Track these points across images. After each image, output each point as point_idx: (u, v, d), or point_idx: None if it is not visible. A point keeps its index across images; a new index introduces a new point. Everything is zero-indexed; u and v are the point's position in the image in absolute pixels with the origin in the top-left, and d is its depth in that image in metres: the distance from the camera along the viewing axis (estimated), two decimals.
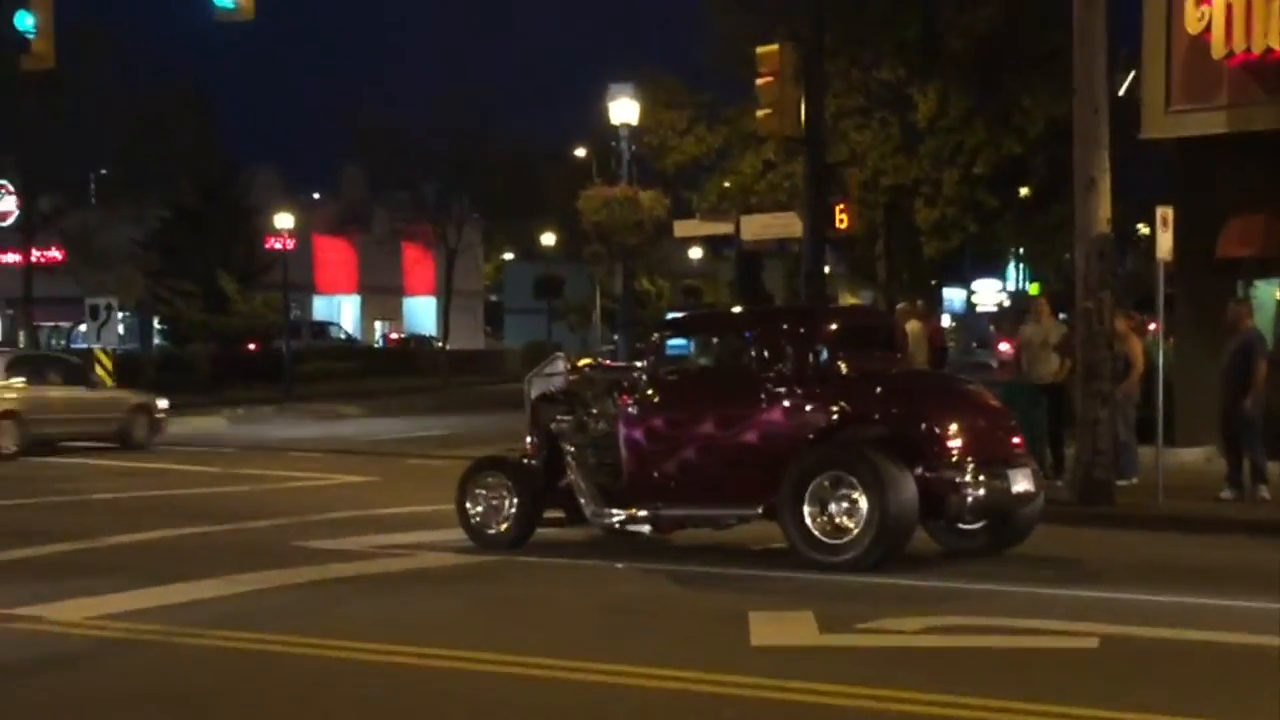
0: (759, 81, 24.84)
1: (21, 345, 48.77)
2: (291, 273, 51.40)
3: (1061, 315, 24.77)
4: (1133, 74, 25.63)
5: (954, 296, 76.45)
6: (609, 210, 34.17)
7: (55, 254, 51.70)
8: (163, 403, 29.59)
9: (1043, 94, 33.30)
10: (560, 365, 16.03)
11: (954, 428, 13.26)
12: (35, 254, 50.01)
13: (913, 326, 21.30)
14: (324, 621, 10.90)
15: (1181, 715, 8.05)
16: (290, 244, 51.25)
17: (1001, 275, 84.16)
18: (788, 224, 28.55)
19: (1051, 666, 9.35)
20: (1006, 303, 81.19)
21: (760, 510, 13.53)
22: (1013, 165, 36.40)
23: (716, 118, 37.88)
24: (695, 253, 78.38)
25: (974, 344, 66.58)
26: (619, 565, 13.65)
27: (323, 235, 72.79)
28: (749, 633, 10.30)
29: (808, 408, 13.51)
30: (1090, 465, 17.20)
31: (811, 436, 13.39)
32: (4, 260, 51.56)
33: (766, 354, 13.91)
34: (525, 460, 15.18)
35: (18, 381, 26.76)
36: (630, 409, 14.26)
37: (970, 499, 13.08)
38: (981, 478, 13.08)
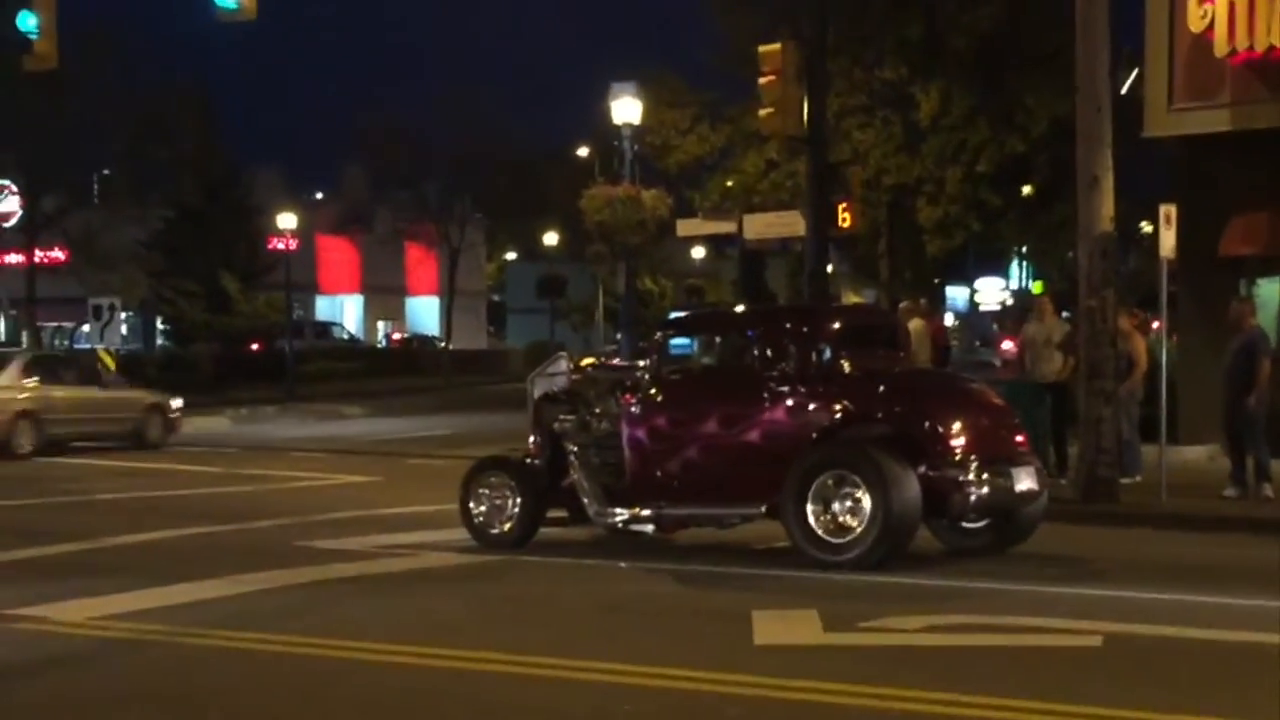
0: (761, 80, 24.84)
1: (24, 345, 48.81)
2: (294, 273, 51.42)
3: (1064, 313, 24.74)
4: (1135, 72, 25.62)
5: (957, 295, 76.54)
6: (612, 210, 34.17)
7: (58, 254, 51.71)
8: (176, 402, 29.80)
9: (1045, 92, 33.30)
10: (563, 365, 16.04)
11: (957, 426, 13.26)
12: (38, 254, 50.01)
13: (916, 325, 21.29)
14: (327, 621, 10.90)
15: (1185, 713, 8.04)
16: (293, 244, 51.26)
17: (1004, 274, 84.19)
18: (790, 223, 28.55)
19: (1055, 665, 9.34)
20: (1009, 301, 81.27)
21: (763, 509, 13.52)
22: (1015, 163, 36.41)
23: (719, 117, 37.91)
24: (698, 252, 78.42)
25: (977, 342, 66.77)
26: (622, 565, 13.65)
27: (325, 235, 72.82)
28: (753, 632, 10.29)
29: (811, 406, 13.51)
30: (1093, 463, 17.19)
31: (815, 435, 13.38)
32: (7, 260, 51.55)
33: (769, 353, 13.91)
34: (528, 460, 15.18)
35: (32, 382, 26.96)
36: (633, 408, 14.25)
37: (973, 497, 13.08)
38: (985, 476, 13.08)
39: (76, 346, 48.30)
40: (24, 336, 51.89)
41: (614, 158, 38.20)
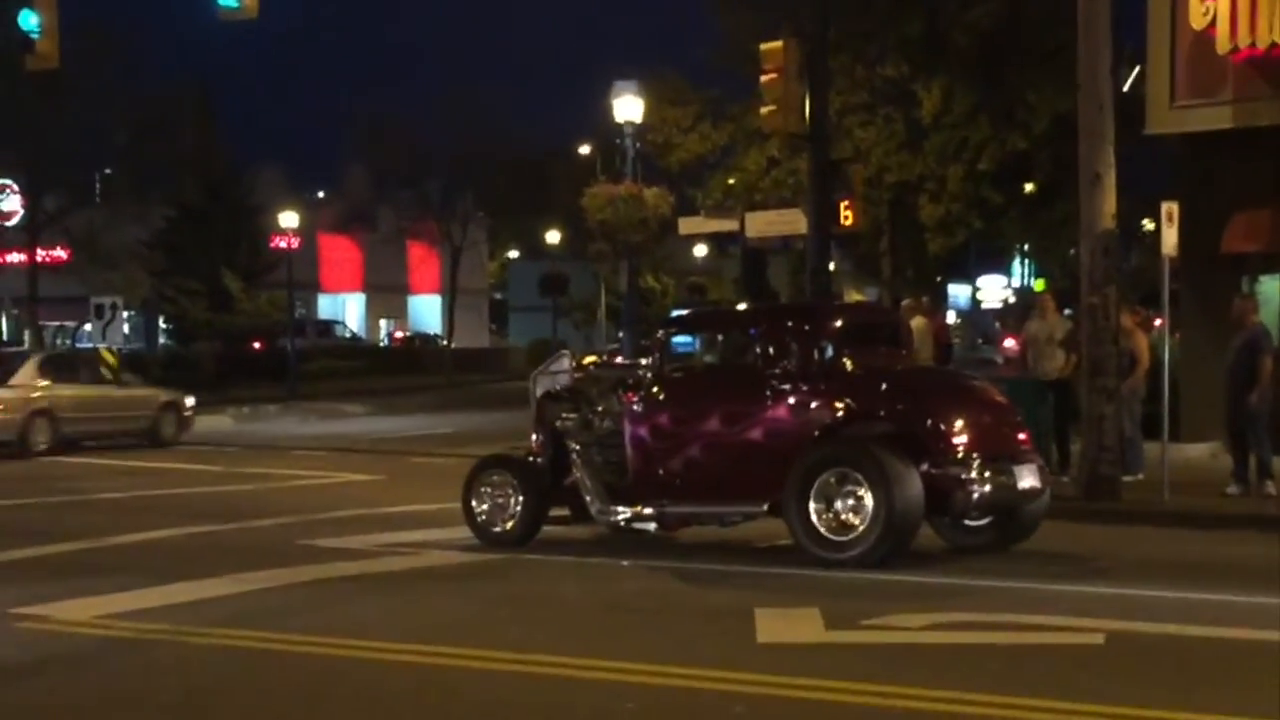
0: (763, 78, 24.81)
1: (27, 344, 48.82)
2: (296, 271, 51.41)
3: (1067, 311, 24.75)
4: (1137, 69, 25.62)
5: (959, 293, 76.45)
6: (614, 208, 34.14)
7: (60, 253, 51.72)
8: (190, 400, 30.07)
9: (1047, 89, 33.23)
10: (565, 363, 16.05)
11: (959, 424, 13.26)
12: (40, 253, 50.02)
13: (918, 323, 21.30)
14: (329, 620, 10.91)
15: (1187, 711, 8.04)
16: (295, 242, 51.25)
17: (1006, 271, 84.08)
18: (792, 221, 28.51)
19: (1057, 662, 9.34)
20: (1011, 299, 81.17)
21: (766, 507, 13.53)
22: (1017, 161, 36.34)
23: (721, 115, 37.84)
24: (700, 250, 78.39)
25: (979, 340, 66.68)
26: (625, 563, 13.64)
27: (327, 234, 72.82)
28: (755, 629, 10.29)
29: (813, 404, 13.51)
30: (1096, 461, 17.19)
31: (817, 433, 13.39)
32: (9, 260, 51.54)
33: (771, 351, 13.90)
34: (531, 458, 15.18)
35: (49, 380, 27.26)
36: (635, 406, 14.25)
37: (976, 495, 13.08)
38: (987, 474, 13.08)
39: (78, 346, 48.30)
40: (26, 336, 51.91)
41: (616, 156, 38.17)
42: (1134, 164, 24.85)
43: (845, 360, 13.84)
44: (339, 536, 15.45)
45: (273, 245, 53.85)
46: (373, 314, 79.17)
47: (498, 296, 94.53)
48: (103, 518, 17.46)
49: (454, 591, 12.45)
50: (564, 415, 14.96)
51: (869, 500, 12.84)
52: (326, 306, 74.83)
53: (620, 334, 46.62)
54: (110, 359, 32.28)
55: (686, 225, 35.21)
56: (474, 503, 14.92)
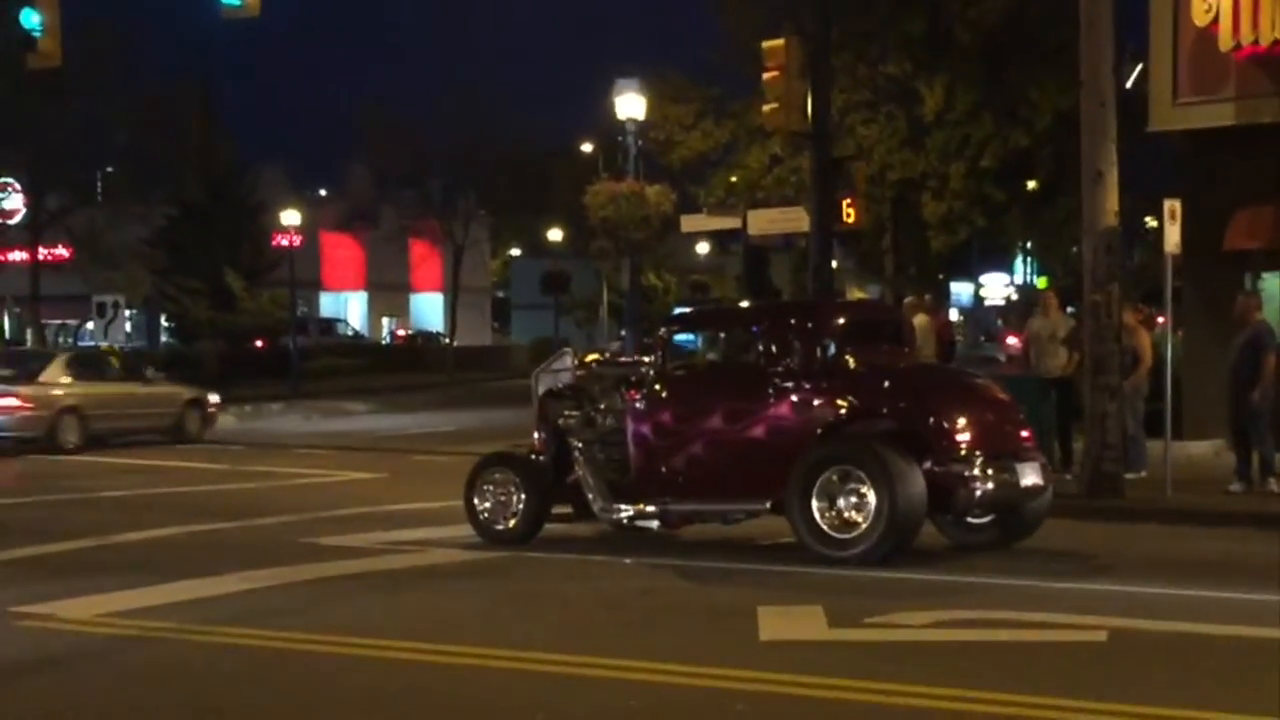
0: (765, 76, 24.80)
1: (29, 343, 48.86)
2: (298, 270, 51.45)
3: (1069, 309, 24.76)
4: (1140, 66, 25.61)
5: (961, 290, 76.45)
6: (615, 206, 34.17)
7: (62, 252, 51.78)
8: (214, 397, 30.45)
9: (1050, 87, 33.24)
10: (568, 361, 16.05)
11: (962, 422, 13.25)
12: (42, 252, 50.09)
13: (920, 320, 21.29)
14: (332, 618, 10.91)
15: (1190, 708, 8.04)
16: (297, 241, 51.30)
17: (1009, 269, 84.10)
18: (794, 218, 28.52)
19: (1060, 660, 9.34)
20: (1014, 296, 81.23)
21: (768, 505, 13.53)
22: (1020, 158, 36.34)
23: (723, 112, 37.82)
24: (702, 248, 78.39)
25: (982, 338, 66.73)
26: (627, 561, 13.65)
27: (329, 232, 72.86)
28: (758, 627, 10.29)
29: (815, 402, 13.51)
30: (1099, 459, 17.18)
31: (819, 431, 13.39)
32: (11, 258, 51.62)
33: (774, 349, 13.90)
34: (533, 456, 15.18)
35: (76, 378, 27.67)
36: (638, 404, 14.25)
37: (979, 493, 13.08)
38: (990, 471, 13.08)
39: (80, 344, 48.33)
40: (28, 334, 51.95)
41: (618, 154, 38.21)
42: (1136, 161, 24.84)
43: (848, 358, 13.83)
44: (342, 534, 15.46)
45: (275, 243, 53.92)
46: (375, 312, 79.21)
47: (500, 294, 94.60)
48: (106, 516, 17.47)
49: (456, 589, 12.45)
50: (566, 413, 14.96)
51: (872, 498, 12.84)
52: (329, 305, 74.87)
53: (622, 332, 46.66)
54: (113, 358, 32.37)
55: (688, 223, 35.23)
56: (476, 500, 14.93)
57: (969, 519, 13.86)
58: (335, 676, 9.20)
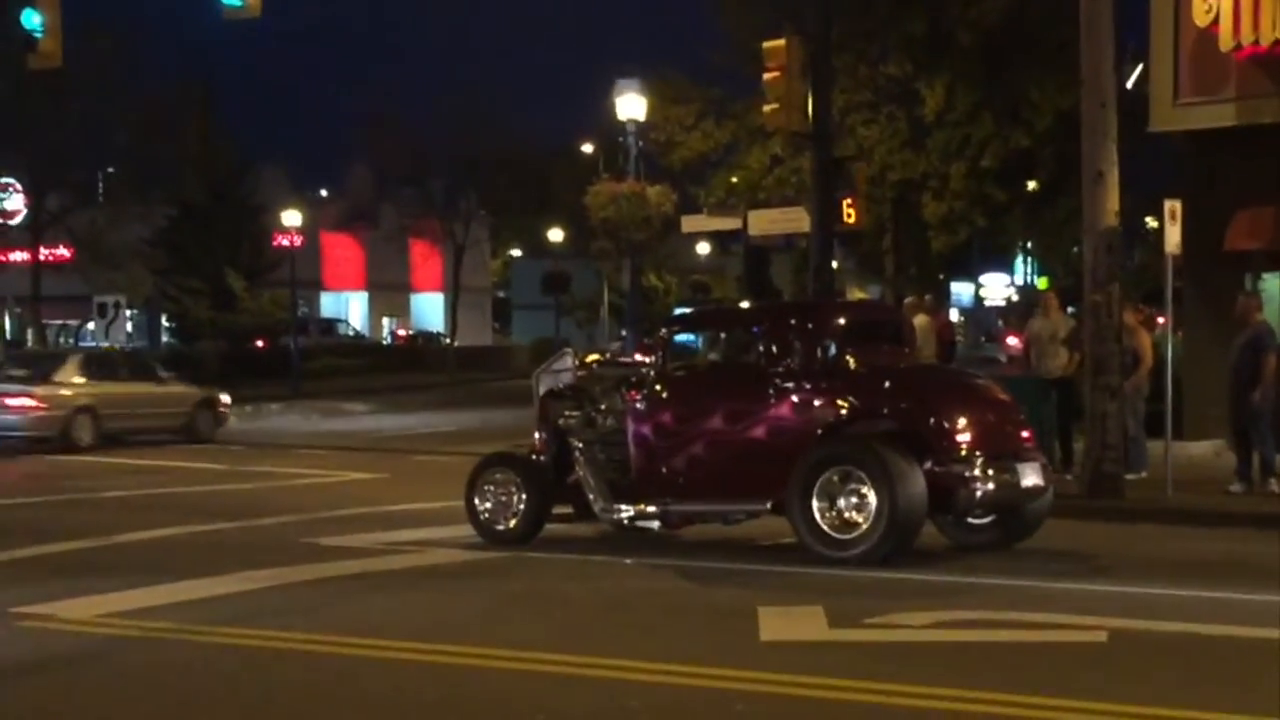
0: (766, 76, 24.80)
1: (30, 344, 48.87)
2: (299, 270, 51.44)
3: (1070, 309, 24.76)
4: (1140, 67, 25.62)
5: (962, 291, 76.47)
6: (616, 206, 34.23)
7: (63, 252, 51.79)
8: (225, 397, 30.65)
9: (1050, 87, 33.26)
10: (568, 361, 16.05)
11: (963, 422, 13.25)
12: (43, 252, 50.10)
13: (921, 321, 21.30)
14: (333, 619, 10.91)
15: (1190, 709, 8.03)
16: (298, 241, 51.28)
17: (1009, 269, 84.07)
18: (795, 219, 28.52)
19: (1060, 660, 9.34)
20: (1014, 297, 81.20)
21: (769, 505, 13.53)
22: (1020, 159, 36.36)
23: (724, 113, 37.84)
24: (703, 248, 78.42)
25: (982, 338, 66.75)
26: (628, 561, 13.65)
27: (330, 232, 72.86)
28: (758, 628, 10.30)
29: (816, 402, 13.51)
30: (1099, 459, 17.18)
31: (820, 431, 13.39)
32: (12, 259, 51.62)
33: (774, 349, 13.90)
34: (534, 456, 15.18)
35: (91, 378, 28.00)
36: (638, 405, 14.25)
37: (979, 493, 13.08)
38: (990, 472, 13.08)
39: (81, 345, 48.36)
40: (29, 334, 51.95)
41: (619, 154, 38.26)
42: (1137, 161, 24.85)
43: (848, 358, 13.83)
44: (342, 535, 15.45)
45: (275, 244, 53.91)
46: (375, 312, 79.20)
47: (500, 295, 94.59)
48: (107, 516, 17.47)
49: (457, 590, 12.45)
50: (567, 413, 14.97)
51: (872, 498, 12.84)
52: (329, 305, 74.87)
53: (623, 332, 46.69)
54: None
55: (689, 223, 35.26)
56: (477, 501, 14.92)
57: (969, 519, 13.86)
58: (336, 677, 9.20)
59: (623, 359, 27.56)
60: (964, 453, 13.07)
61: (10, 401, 26.90)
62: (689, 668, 9.01)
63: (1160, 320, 20.90)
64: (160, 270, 55.82)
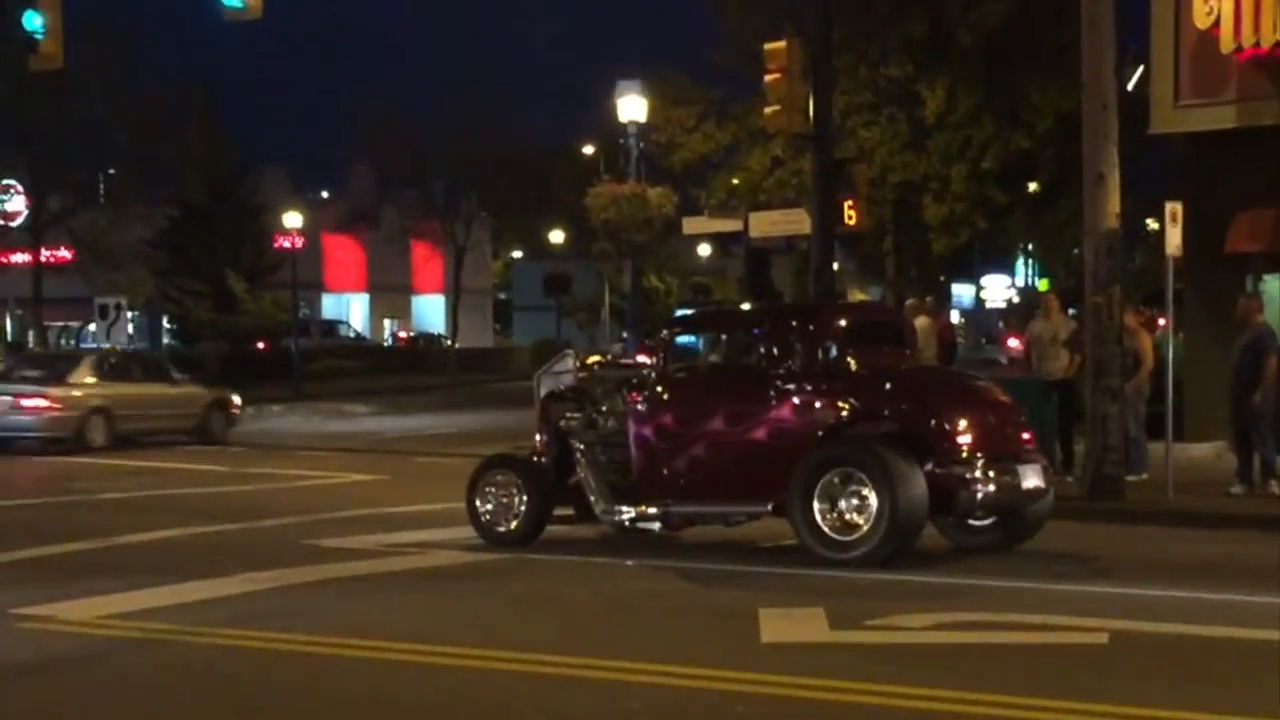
0: (767, 78, 24.82)
1: (31, 345, 48.88)
2: (300, 271, 51.44)
3: (1071, 311, 24.77)
4: (1141, 69, 25.62)
5: (963, 292, 76.43)
6: (617, 207, 34.23)
7: (64, 254, 51.82)
8: (237, 399, 30.83)
9: (1051, 89, 33.25)
10: (569, 363, 16.06)
11: (964, 424, 13.26)
12: (44, 254, 50.12)
13: (922, 322, 21.31)
14: (334, 620, 10.91)
15: (1191, 710, 8.04)
16: (299, 242, 51.28)
17: (1010, 271, 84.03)
18: (796, 221, 28.51)
19: (1062, 662, 9.34)
20: (1015, 299, 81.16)
21: (770, 507, 13.53)
22: (1021, 160, 36.35)
23: (725, 114, 37.82)
24: (704, 250, 78.45)
25: (983, 340, 66.74)
26: (629, 562, 13.65)
27: (331, 234, 72.86)
28: (759, 629, 10.30)
29: (817, 404, 13.51)
30: (1100, 461, 17.19)
31: (821, 433, 13.39)
32: (13, 260, 51.64)
33: (775, 351, 13.90)
34: (535, 458, 15.19)
35: (104, 379, 28.23)
36: (639, 406, 14.26)
37: (980, 495, 13.09)
38: (991, 473, 13.08)
39: (83, 346, 48.37)
40: (30, 336, 51.95)
41: (619, 155, 38.26)
42: (1138, 163, 24.86)
43: (849, 360, 13.84)
44: (343, 536, 15.46)
45: (276, 245, 53.92)
46: (377, 314, 79.22)
47: (501, 296, 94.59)
48: (108, 518, 17.48)
49: (458, 591, 12.46)
50: (568, 415, 14.97)
51: (873, 500, 12.85)
52: (330, 306, 74.88)
53: (624, 334, 46.70)
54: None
55: (690, 225, 35.25)
56: (478, 502, 14.93)
57: (970, 521, 13.86)
58: (337, 678, 9.21)
59: (624, 360, 27.59)
60: (965, 454, 13.08)
61: (25, 402, 27.17)
62: (690, 669, 9.02)
63: (1161, 322, 20.90)
64: (161, 271, 55.83)
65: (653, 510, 14.12)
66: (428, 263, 73.96)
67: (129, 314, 35.88)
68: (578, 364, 16.14)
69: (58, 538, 15.48)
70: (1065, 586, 12.09)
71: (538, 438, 15.28)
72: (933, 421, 13.26)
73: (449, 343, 63.38)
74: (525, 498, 14.73)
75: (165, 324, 58.93)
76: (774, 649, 9.79)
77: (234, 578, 12.74)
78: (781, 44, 24.55)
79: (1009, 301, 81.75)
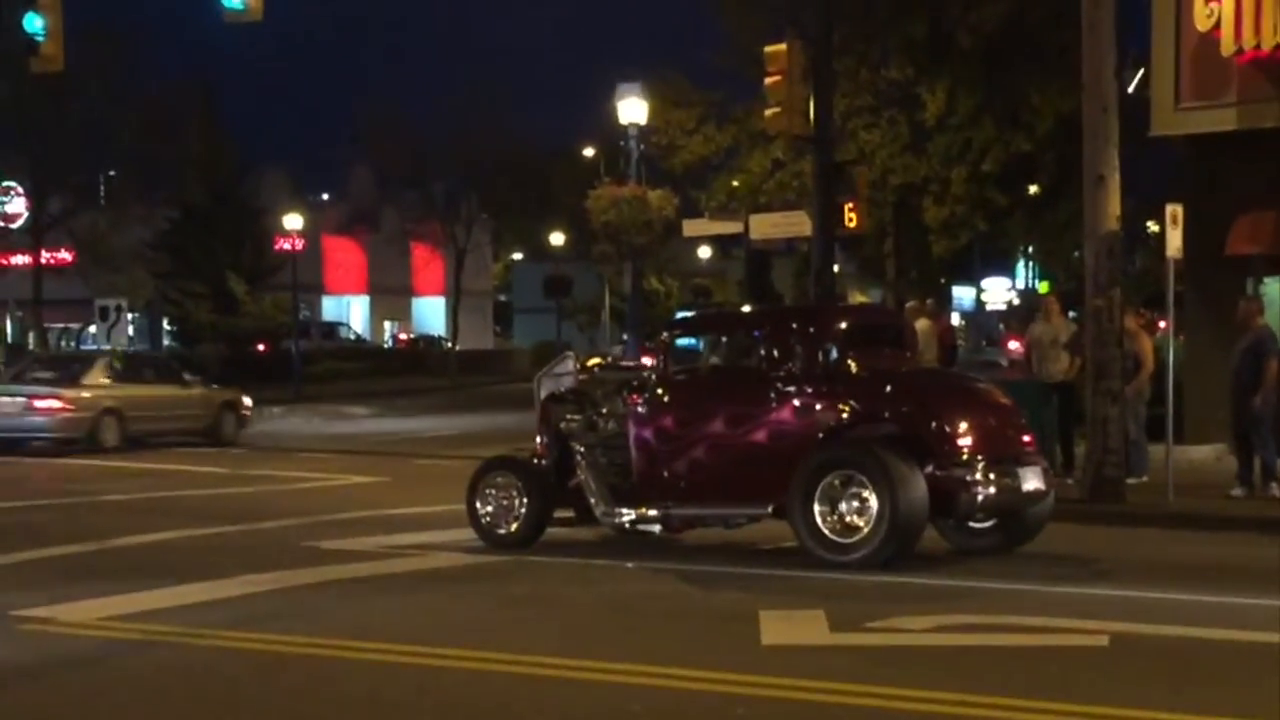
0: (767, 80, 24.82)
1: (31, 347, 48.89)
2: (300, 273, 51.47)
3: (1071, 313, 24.76)
4: (1141, 71, 25.61)
5: (963, 295, 76.46)
6: (618, 210, 34.16)
7: (65, 255, 51.85)
8: (248, 400, 31.04)
9: (1051, 91, 33.24)
10: (569, 365, 16.06)
11: (964, 426, 13.26)
12: (45, 255, 50.14)
13: (922, 325, 21.30)
14: (335, 622, 10.91)
15: (1191, 713, 8.03)
16: (299, 244, 51.30)
17: (1011, 273, 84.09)
18: (796, 223, 28.52)
19: (1062, 665, 9.33)
20: (1016, 301, 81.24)
21: (770, 509, 13.53)
22: (1022, 163, 36.35)
23: (725, 117, 37.81)
24: (704, 252, 78.44)
25: (983, 342, 66.75)
26: (629, 565, 13.65)
27: (331, 235, 72.87)
28: (760, 631, 10.29)
29: (817, 406, 13.51)
30: (1100, 463, 17.19)
31: (821, 435, 13.38)
32: (14, 262, 51.67)
33: (776, 353, 13.90)
34: (535, 460, 15.19)
35: (117, 380, 28.49)
36: (640, 408, 14.26)
37: (981, 497, 13.08)
38: (992, 476, 13.08)
39: (83, 348, 48.37)
40: (30, 338, 51.96)
41: (620, 158, 38.17)
42: (1138, 166, 24.85)
43: (850, 362, 13.84)
44: (343, 538, 15.46)
45: (277, 247, 53.95)
46: (377, 316, 79.21)
47: (502, 298, 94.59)
48: (108, 519, 17.47)
49: (458, 593, 12.45)
50: (568, 417, 14.97)
51: (873, 502, 12.84)
52: (331, 308, 74.89)
53: (624, 336, 46.65)
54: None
55: (690, 227, 35.23)
56: (479, 504, 14.93)
57: (971, 523, 13.86)
58: (337, 680, 9.21)
59: (624, 363, 27.57)
60: (965, 457, 13.07)
61: (39, 404, 27.40)
62: (690, 671, 9.01)
63: (1161, 324, 20.89)
64: (162, 273, 55.86)
65: (653, 512, 14.12)
66: (428, 265, 73.95)
67: (129, 316, 35.84)
68: (578, 366, 16.12)
69: (58, 539, 15.48)
70: (1065, 589, 12.09)
71: (538, 440, 15.28)
72: (933, 424, 13.26)
73: (449, 345, 63.37)
74: (525, 500, 14.73)
75: (165, 326, 58.98)
76: (774, 651, 9.78)
77: (234, 580, 12.74)
78: (782, 46, 24.57)
79: (1009, 304, 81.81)
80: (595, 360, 19.36)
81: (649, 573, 13.29)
